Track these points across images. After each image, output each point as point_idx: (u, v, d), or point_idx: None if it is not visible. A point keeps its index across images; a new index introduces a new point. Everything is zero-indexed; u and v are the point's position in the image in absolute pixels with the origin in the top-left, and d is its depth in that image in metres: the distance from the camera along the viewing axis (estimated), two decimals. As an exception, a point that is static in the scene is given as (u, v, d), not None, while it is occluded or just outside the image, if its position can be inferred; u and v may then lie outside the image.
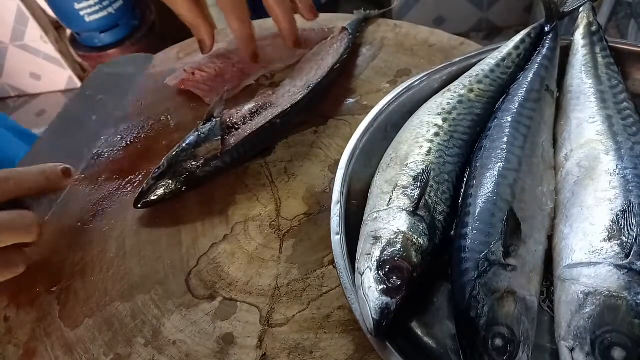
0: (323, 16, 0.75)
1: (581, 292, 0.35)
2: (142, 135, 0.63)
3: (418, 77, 0.55)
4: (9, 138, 0.81)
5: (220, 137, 0.54)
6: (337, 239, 0.43)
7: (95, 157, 0.62)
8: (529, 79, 0.51)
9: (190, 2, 0.63)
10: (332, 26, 0.72)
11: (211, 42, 0.67)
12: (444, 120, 0.49)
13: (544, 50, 0.54)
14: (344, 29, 0.69)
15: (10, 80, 2.36)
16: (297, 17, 0.75)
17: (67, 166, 0.54)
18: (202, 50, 0.68)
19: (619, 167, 0.41)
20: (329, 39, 0.69)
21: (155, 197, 0.52)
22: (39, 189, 0.52)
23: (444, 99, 0.52)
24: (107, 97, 0.67)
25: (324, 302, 0.45)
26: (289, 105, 0.57)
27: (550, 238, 0.42)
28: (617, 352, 0.32)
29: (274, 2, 0.63)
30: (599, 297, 0.34)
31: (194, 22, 0.65)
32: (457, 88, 0.53)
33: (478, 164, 0.45)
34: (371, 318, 0.36)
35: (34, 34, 2.15)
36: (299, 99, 0.58)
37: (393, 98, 0.53)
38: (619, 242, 0.36)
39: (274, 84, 0.67)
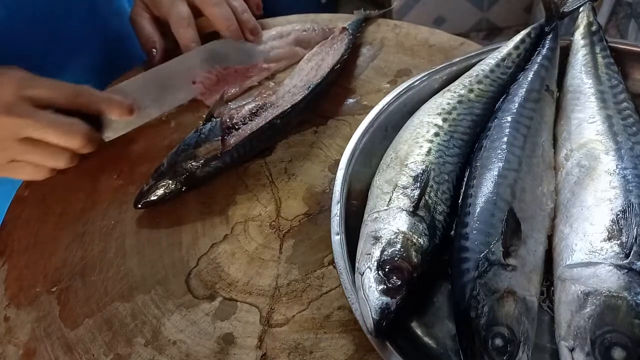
0: (323, 16, 0.75)
1: (581, 292, 0.35)
2: (143, 135, 0.63)
3: (418, 77, 0.55)
4: None
5: (220, 137, 0.54)
6: (337, 239, 0.43)
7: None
8: (529, 79, 0.51)
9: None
10: (332, 26, 0.71)
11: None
12: (444, 120, 0.49)
13: (544, 50, 0.54)
14: (344, 29, 0.69)
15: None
16: (297, 17, 0.75)
17: (133, 105, 0.59)
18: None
19: (619, 167, 0.41)
20: (329, 39, 0.69)
21: (155, 197, 0.52)
22: (100, 111, 0.58)
23: (444, 99, 0.52)
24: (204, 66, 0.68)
25: (324, 302, 0.45)
26: (289, 106, 0.57)
27: (550, 238, 0.42)
28: (617, 352, 0.32)
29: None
30: (599, 297, 0.34)
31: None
32: (457, 88, 0.53)
33: (478, 164, 0.45)
34: (371, 318, 0.36)
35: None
36: (299, 99, 0.58)
37: (393, 98, 0.53)
38: (618, 242, 0.36)
39: (274, 84, 0.67)
